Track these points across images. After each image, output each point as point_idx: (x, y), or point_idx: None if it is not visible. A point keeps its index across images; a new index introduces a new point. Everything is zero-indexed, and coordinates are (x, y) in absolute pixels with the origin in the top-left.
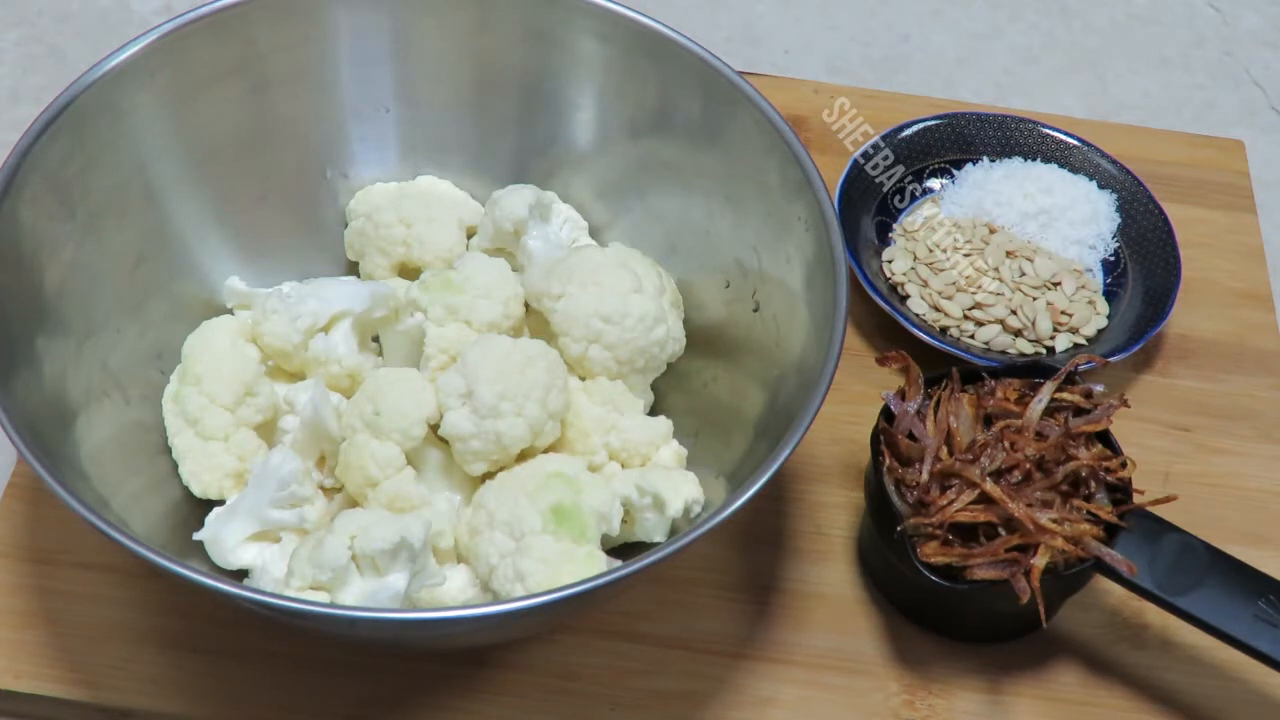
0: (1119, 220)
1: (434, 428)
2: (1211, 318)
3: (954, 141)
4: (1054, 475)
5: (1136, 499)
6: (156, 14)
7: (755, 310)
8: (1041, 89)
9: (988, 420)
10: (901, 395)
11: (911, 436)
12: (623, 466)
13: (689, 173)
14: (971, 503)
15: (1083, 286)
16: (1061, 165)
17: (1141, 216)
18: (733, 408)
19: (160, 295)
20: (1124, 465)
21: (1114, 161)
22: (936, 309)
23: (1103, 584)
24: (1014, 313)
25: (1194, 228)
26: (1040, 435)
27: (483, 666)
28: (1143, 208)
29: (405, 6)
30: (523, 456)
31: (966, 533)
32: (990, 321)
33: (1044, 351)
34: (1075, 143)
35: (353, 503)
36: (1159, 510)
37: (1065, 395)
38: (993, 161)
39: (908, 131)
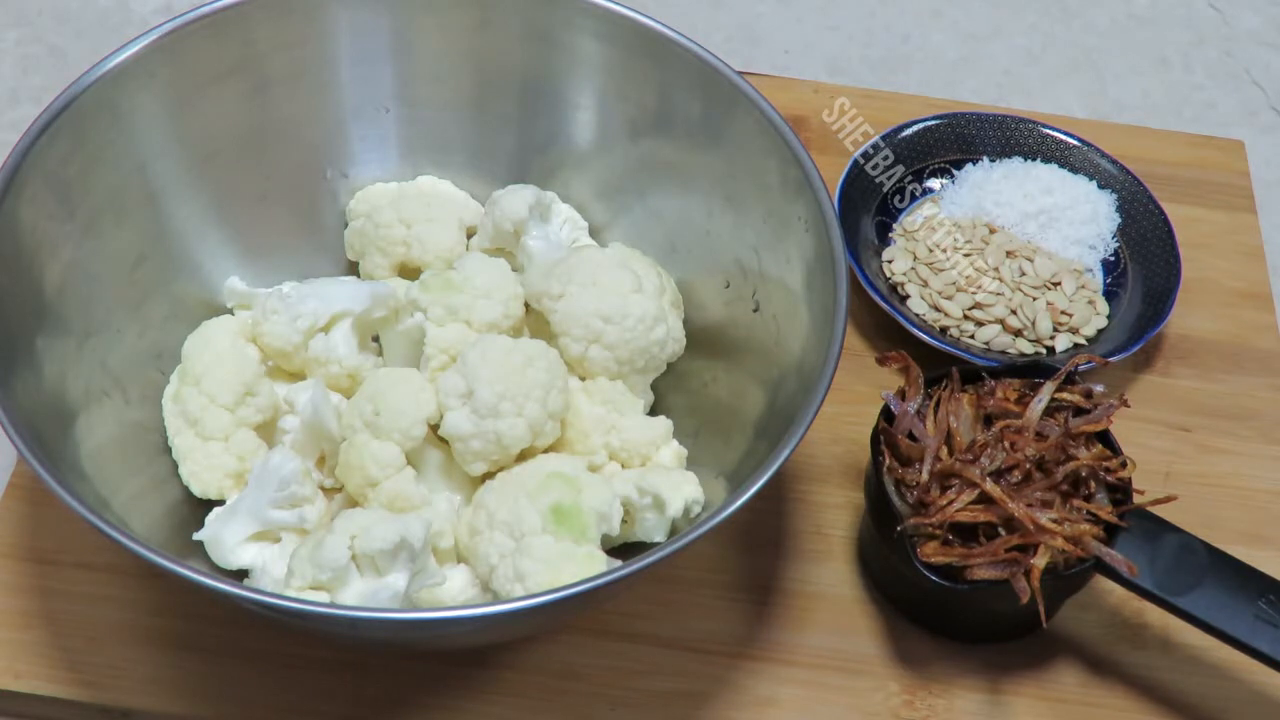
0: (1119, 220)
1: (434, 428)
2: (1211, 318)
3: (954, 141)
4: (1054, 475)
5: (1136, 499)
6: (156, 14)
7: (755, 310)
8: (1041, 89)
9: (988, 420)
10: (901, 395)
11: (911, 436)
12: (623, 466)
13: (689, 173)
14: (971, 503)
15: (1083, 286)
16: (1061, 165)
17: (1141, 216)
18: (733, 408)
19: (160, 295)
20: (1124, 465)
21: (1114, 161)
22: (936, 309)
23: (1103, 584)
24: (1014, 313)
25: (1194, 228)
26: (1040, 435)
27: (483, 666)
28: (1143, 208)
29: (405, 6)
30: (523, 456)
31: (966, 533)
32: (990, 321)
33: (1044, 351)
34: (1075, 143)
35: (353, 503)
36: (1159, 510)
37: (1065, 395)
38: (993, 161)
39: (908, 131)
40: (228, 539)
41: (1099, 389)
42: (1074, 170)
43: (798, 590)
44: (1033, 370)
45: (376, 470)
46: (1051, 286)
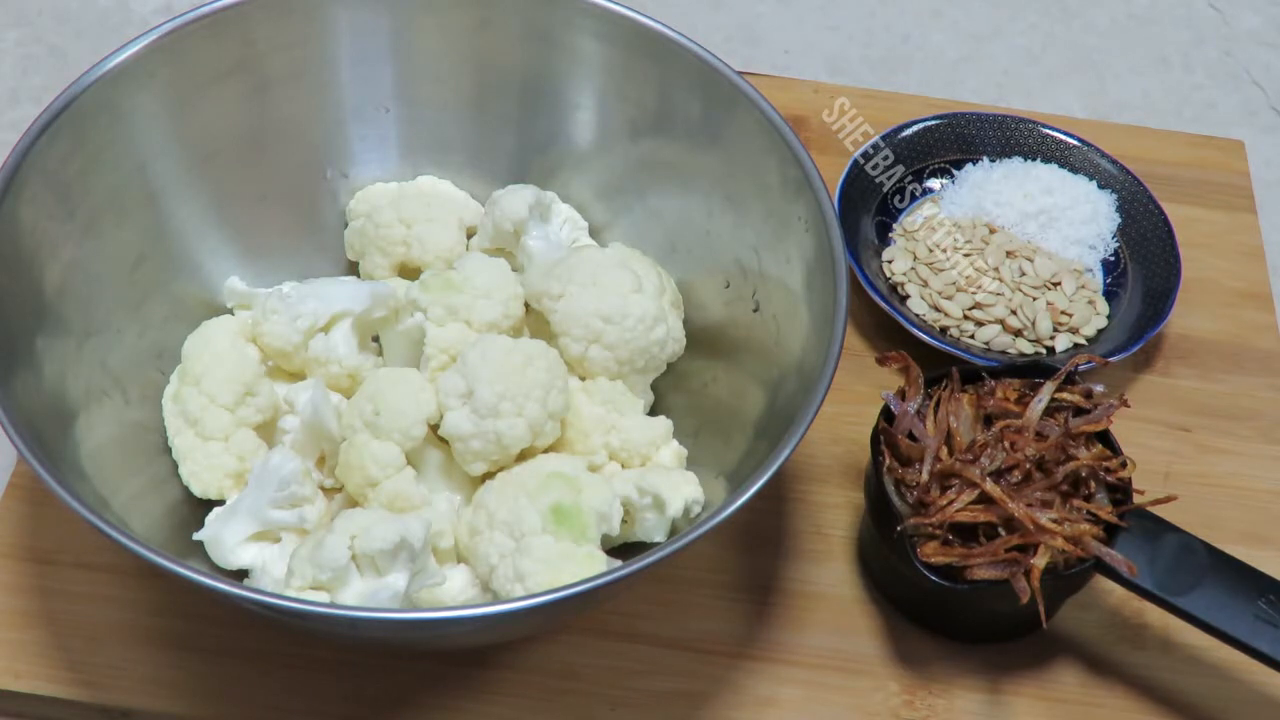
0: (1119, 220)
1: (434, 428)
2: (1211, 318)
3: (954, 141)
4: (1054, 475)
5: (1136, 499)
6: (156, 14)
7: (755, 310)
8: (1041, 89)
9: (988, 420)
10: (901, 395)
11: (911, 436)
12: (623, 466)
13: (689, 173)
14: (971, 503)
15: (1083, 286)
16: (1061, 165)
17: (1141, 216)
18: (733, 408)
19: (160, 295)
20: (1124, 465)
21: (1114, 161)
22: (936, 309)
23: (1103, 584)
24: (1014, 313)
25: (1194, 228)
26: (1040, 435)
27: (483, 666)
28: (1143, 208)
29: (405, 6)
30: (523, 456)
31: (966, 533)
32: (990, 321)
33: (1044, 351)
34: (1075, 143)
35: (353, 503)
36: (1159, 510)
37: (1065, 395)
38: (993, 161)
39: (908, 131)
40: (228, 539)
41: (1099, 389)
42: (1074, 170)
43: (798, 590)
44: (1033, 370)
45: (376, 470)
46: (1051, 286)
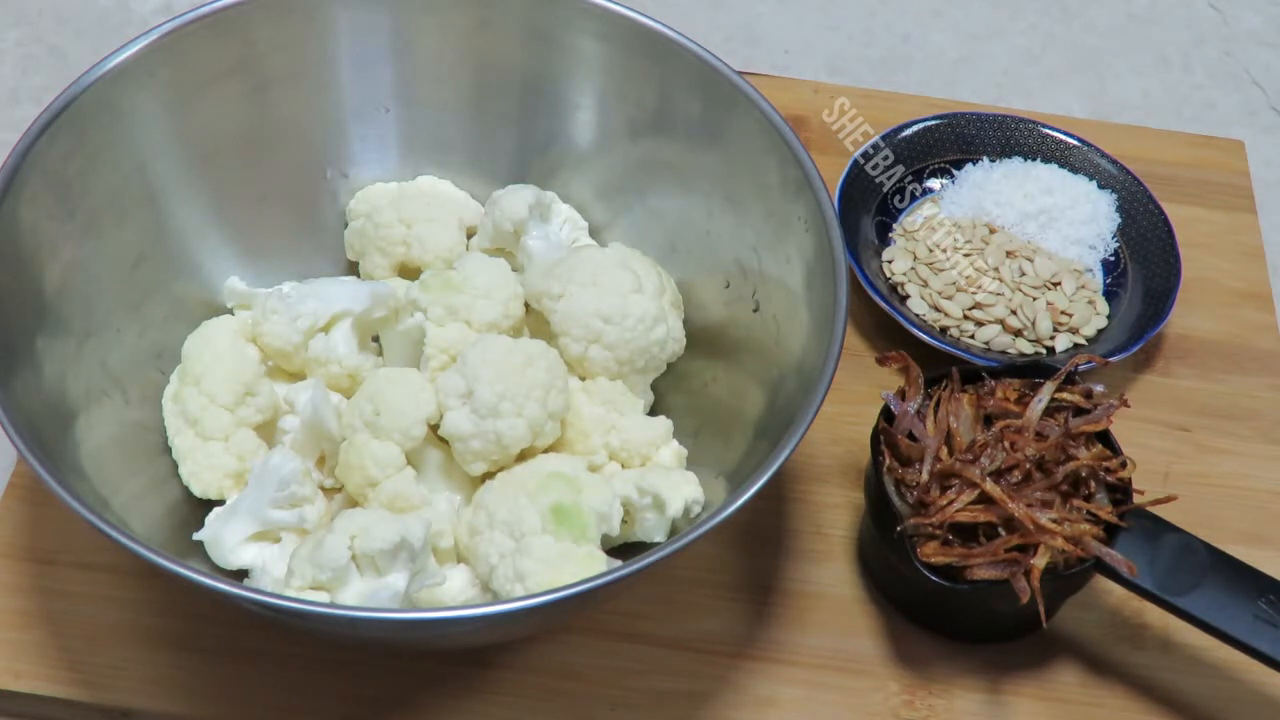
0: (1119, 220)
1: (434, 428)
2: (1211, 318)
3: (954, 141)
4: (1054, 475)
5: (1136, 499)
6: (156, 14)
7: (755, 310)
8: (1041, 89)
9: (988, 420)
10: (901, 395)
11: (911, 436)
12: (623, 466)
13: (689, 173)
14: (971, 503)
15: (1083, 286)
16: (1061, 165)
17: (1141, 216)
18: (733, 408)
19: (160, 295)
20: (1124, 465)
21: (1114, 161)
22: (936, 309)
23: (1103, 584)
24: (1014, 313)
25: (1194, 228)
26: (1040, 435)
27: (483, 666)
28: (1143, 208)
29: (405, 6)
30: (523, 456)
31: (966, 533)
32: (990, 321)
33: (1044, 351)
34: (1075, 143)
35: (353, 503)
36: (1159, 510)
37: (1065, 395)
38: (993, 161)
39: (908, 131)
40: (228, 539)
41: (1099, 389)
42: (1074, 170)
43: (798, 590)
44: (1033, 370)
45: (376, 470)
46: (1051, 286)
